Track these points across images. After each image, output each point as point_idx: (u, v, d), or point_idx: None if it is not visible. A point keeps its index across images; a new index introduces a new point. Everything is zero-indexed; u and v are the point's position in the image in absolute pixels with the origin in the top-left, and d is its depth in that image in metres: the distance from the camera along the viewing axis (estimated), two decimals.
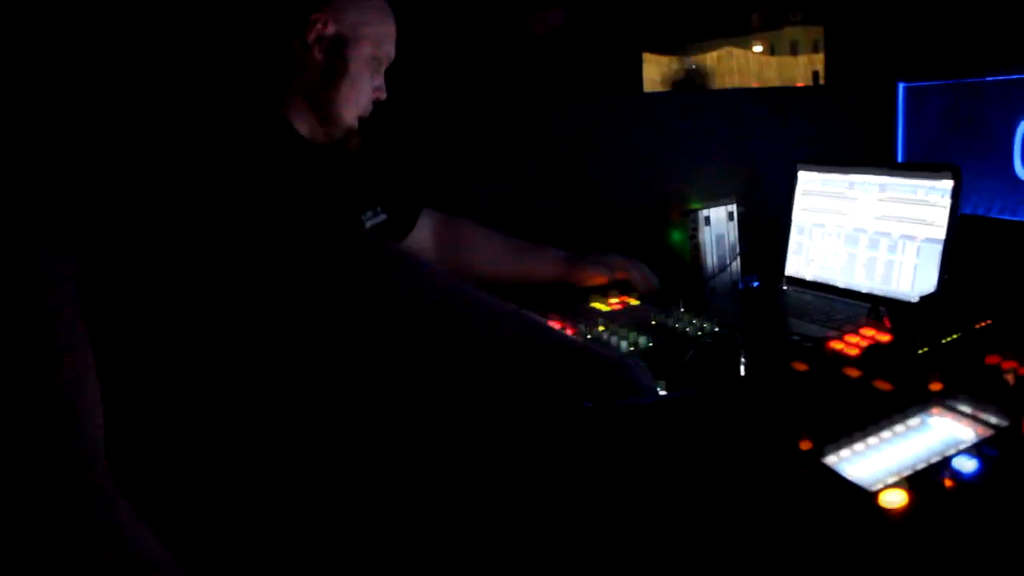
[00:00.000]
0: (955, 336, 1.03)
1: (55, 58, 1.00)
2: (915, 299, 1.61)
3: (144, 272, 1.09)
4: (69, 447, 0.86)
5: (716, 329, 1.52)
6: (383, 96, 1.47)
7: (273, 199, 1.15)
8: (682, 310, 1.67)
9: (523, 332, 1.15)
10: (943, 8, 2.14)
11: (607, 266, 1.79)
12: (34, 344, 0.84)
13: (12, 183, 0.86)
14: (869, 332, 1.11)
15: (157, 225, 1.10)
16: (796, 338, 1.58)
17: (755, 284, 1.98)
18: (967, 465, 0.80)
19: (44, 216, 0.89)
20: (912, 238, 1.72)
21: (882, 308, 1.42)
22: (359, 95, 1.42)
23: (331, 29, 1.36)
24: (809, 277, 1.94)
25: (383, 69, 1.46)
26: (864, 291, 1.80)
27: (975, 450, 0.82)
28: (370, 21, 1.41)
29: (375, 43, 1.41)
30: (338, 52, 1.38)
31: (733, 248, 1.99)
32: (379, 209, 1.58)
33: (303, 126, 1.40)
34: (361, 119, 1.46)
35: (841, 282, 1.86)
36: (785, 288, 1.97)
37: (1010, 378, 0.91)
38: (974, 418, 0.87)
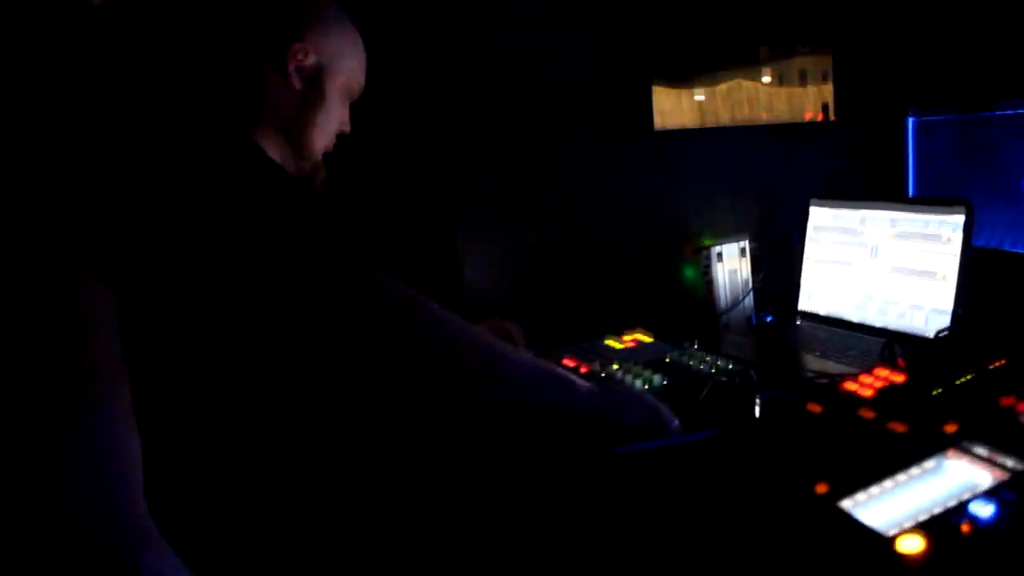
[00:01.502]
0: (969, 376, 1.03)
1: (42, 90, 1.01)
2: (929, 334, 1.61)
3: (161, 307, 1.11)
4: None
5: (730, 367, 1.52)
6: (347, 130, 1.44)
7: (295, 238, 1.16)
8: (696, 347, 1.67)
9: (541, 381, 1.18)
10: (952, 40, 2.16)
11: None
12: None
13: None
14: (883, 372, 1.11)
15: (164, 255, 1.12)
16: (811, 375, 1.57)
17: (768, 319, 1.99)
18: (984, 510, 0.80)
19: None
20: (924, 273, 1.72)
21: (897, 347, 1.42)
22: (330, 127, 1.39)
23: (311, 59, 1.34)
24: (823, 312, 1.95)
25: (350, 102, 1.44)
26: (878, 326, 1.80)
27: (992, 494, 0.82)
28: (348, 52, 1.39)
29: (350, 74, 1.39)
30: (316, 82, 1.35)
31: (746, 284, 1.99)
32: None
33: (276, 157, 1.36)
34: (325, 153, 1.43)
35: (855, 317, 1.86)
36: (799, 323, 1.97)
37: None
38: (990, 461, 0.87)
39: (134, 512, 0.90)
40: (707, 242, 1.97)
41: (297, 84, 1.33)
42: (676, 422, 1.20)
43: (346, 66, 1.38)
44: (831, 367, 1.61)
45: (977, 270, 1.69)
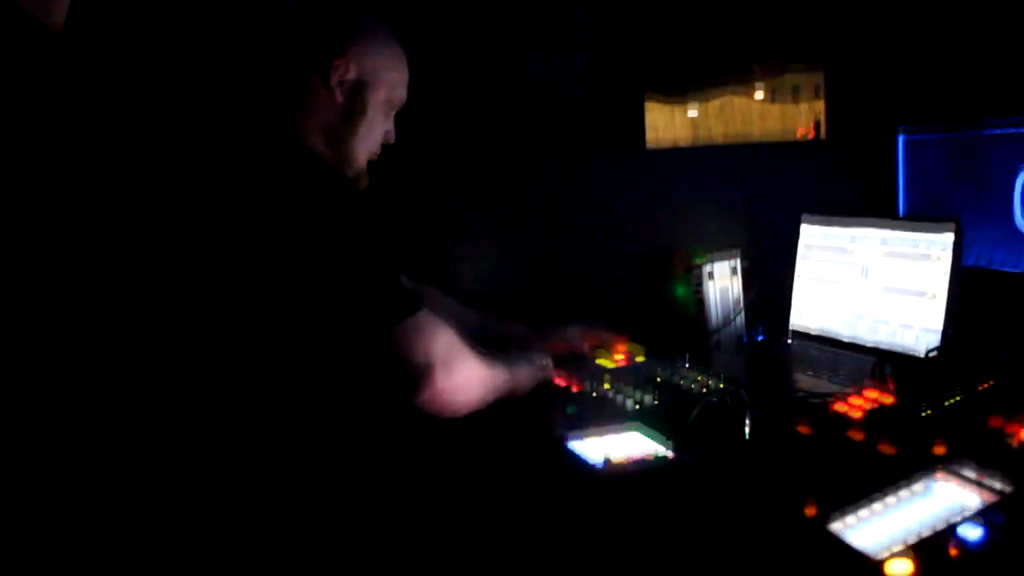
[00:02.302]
0: (958, 398, 1.03)
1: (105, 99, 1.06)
2: (920, 352, 1.62)
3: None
4: None
5: (721, 385, 1.52)
6: (392, 139, 1.53)
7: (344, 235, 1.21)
8: (687, 365, 1.67)
9: None
10: (941, 60, 2.17)
11: (566, 339, 1.81)
12: None
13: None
14: (872, 394, 1.12)
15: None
16: (802, 394, 1.57)
17: (760, 338, 1.99)
18: (972, 533, 0.80)
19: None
20: (914, 292, 1.73)
21: (888, 367, 1.42)
22: (373, 137, 1.48)
23: (352, 74, 1.42)
24: (814, 330, 1.95)
25: (394, 113, 1.52)
26: (869, 344, 1.80)
27: (980, 517, 0.82)
28: (388, 67, 1.47)
29: (391, 88, 1.47)
30: (358, 95, 1.43)
31: (737, 302, 2.00)
32: None
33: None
34: (370, 161, 1.52)
35: (846, 335, 1.87)
36: (790, 341, 1.97)
37: (1013, 442, 0.91)
38: (978, 483, 0.87)
39: None
40: (698, 260, 1.98)
41: (339, 97, 1.42)
42: None
43: (387, 80, 1.46)
44: (822, 386, 1.61)
45: (968, 289, 1.69)
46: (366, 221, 1.28)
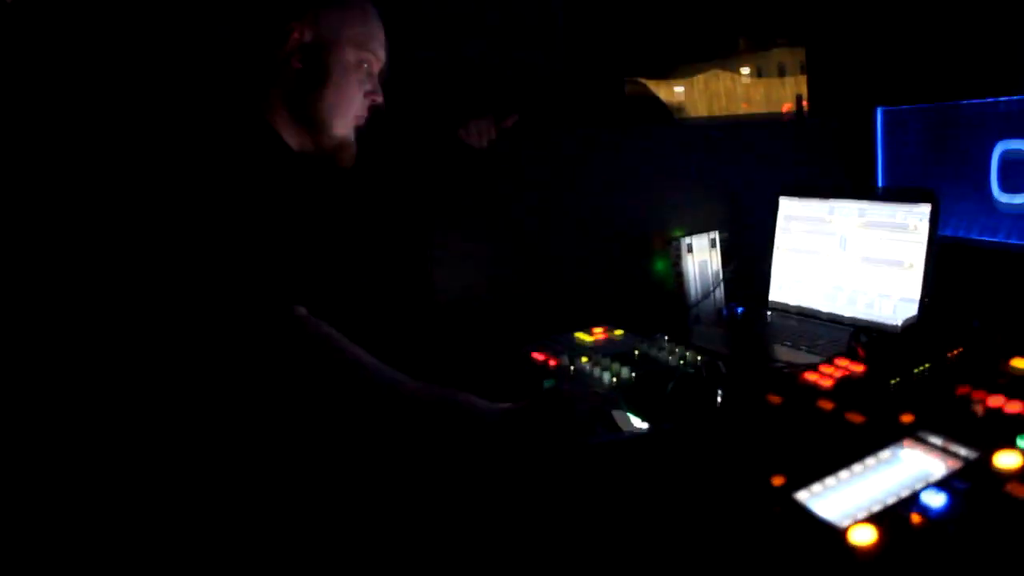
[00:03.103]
0: (926, 367, 1.03)
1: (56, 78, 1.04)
2: (898, 323, 1.62)
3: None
4: None
5: (699, 359, 1.52)
6: (379, 99, 1.45)
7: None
8: (666, 339, 1.67)
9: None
10: (920, 36, 2.16)
11: None
12: None
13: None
14: (843, 363, 1.12)
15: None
16: (780, 365, 1.58)
17: (739, 311, 1.99)
18: (935, 500, 0.80)
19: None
20: (892, 263, 1.73)
21: (862, 336, 1.43)
22: (347, 102, 1.41)
23: (308, 36, 1.36)
24: (792, 303, 1.95)
25: (375, 73, 1.45)
26: (847, 316, 1.81)
27: (944, 484, 0.82)
28: (350, 24, 1.39)
29: (358, 46, 1.40)
30: (317, 58, 1.37)
31: (716, 275, 2.00)
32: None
33: (292, 137, 1.40)
34: (358, 128, 1.45)
35: (825, 307, 1.87)
36: (769, 314, 1.97)
37: (979, 409, 0.92)
38: (944, 451, 0.88)
39: None
40: (677, 233, 1.97)
41: (296, 63, 1.36)
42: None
43: (351, 38, 1.39)
44: (801, 357, 1.61)
45: (945, 259, 1.69)
46: (271, 204, 1.23)
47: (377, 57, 1.44)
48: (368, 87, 1.43)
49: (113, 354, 1.21)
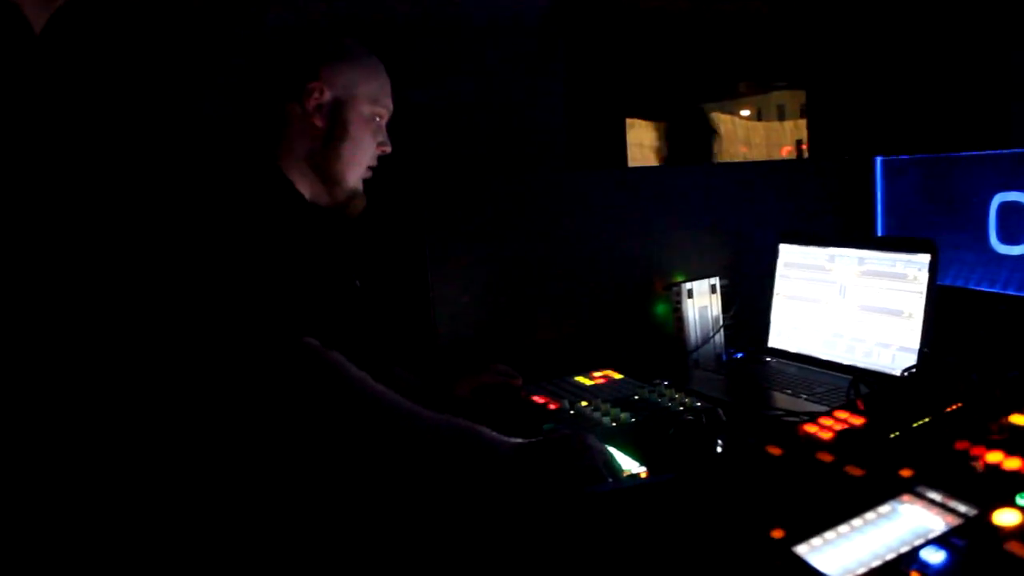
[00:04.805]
0: (926, 420, 1.04)
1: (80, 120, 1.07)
2: (896, 372, 1.63)
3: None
4: None
5: (698, 405, 1.53)
6: (388, 150, 1.50)
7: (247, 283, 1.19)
8: (665, 384, 1.68)
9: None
10: (918, 87, 2.20)
11: (498, 372, 1.76)
12: None
13: None
14: (843, 415, 1.12)
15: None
16: (779, 412, 1.58)
17: (738, 356, 2.00)
18: (934, 557, 0.80)
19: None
20: (891, 312, 1.74)
21: (862, 387, 1.43)
22: (362, 155, 1.46)
23: (328, 95, 1.41)
24: (792, 349, 1.96)
25: (384, 123, 1.49)
26: (846, 364, 1.81)
27: (943, 540, 0.83)
28: (363, 79, 1.45)
29: (371, 99, 1.45)
30: (337, 116, 1.42)
31: (716, 321, 2.01)
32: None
33: (305, 188, 1.44)
34: (366, 180, 1.50)
35: (824, 354, 1.88)
36: (768, 360, 1.98)
37: (978, 465, 0.92)
38: (943, 507, 0.88)
39: None
40: (678, 278, 1.99)
41: (319, 121, 1.41)
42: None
43: (365, 93, 1.44)
44: (800, 405, 1.62)
45: (945, 308, 1.70)
46: (283, 244, 1.25)
47: (388, 109, 1.49)
48: (380, 138, 1.48)
49: (128, 381, 1.22)
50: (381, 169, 1.53)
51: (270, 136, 1.41)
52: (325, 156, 1.43)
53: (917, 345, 1.67)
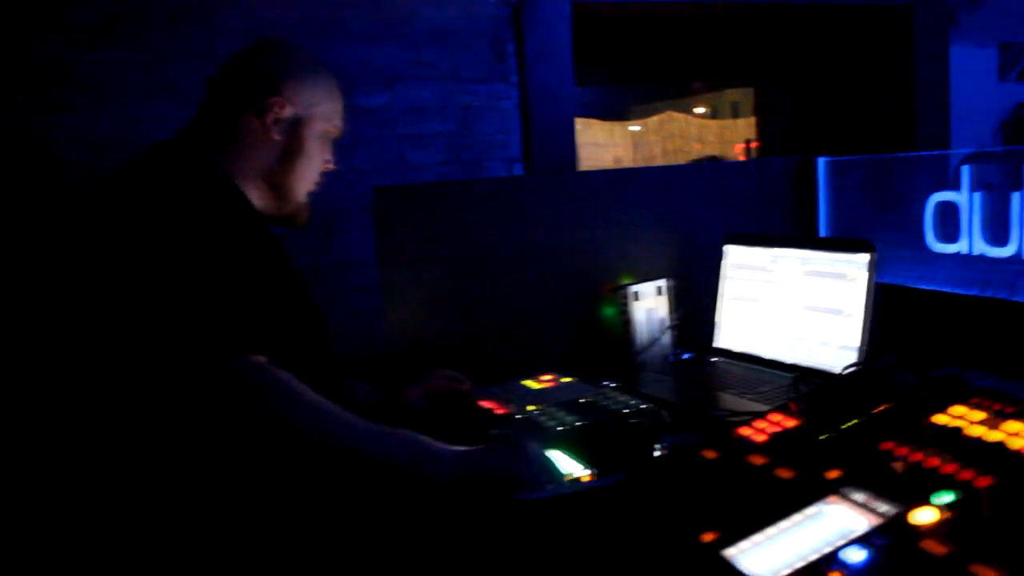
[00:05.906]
0: (855, 422, 1.07)
1: None
2: (837, 370, 1.66)
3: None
4: None
5: (643, 407, 1.55)
6: (332, 167, 1.53)
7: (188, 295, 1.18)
8: (612, 386, 1.69)
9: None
10: (859, 93, 2.24)
11: (446, 378, 1.77)
12: None
13: None
14: (777, 417, 1.15)
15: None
16: (723, 413, 1.60)
17: (685, 357, 2.02)
18: (856, 556, 0.83)
19: None
20: (832, 311, 1.77)
21: (802, 386, 1.46)
22: (313, 171, 1.48)
23: (287, 111, 1.42)
24: (738, 349, 1.99)
25: (331, 142, 1.52)
26: (789, 362, 1.84)
27: (865, 540, 0.85)
28: (322, 99, 1.47)
29: (326, 119, 1.47)
30: (295, 132, 1.43)
31: (663, 322, 2.03)
32: None
33: (256, 199, 1.44)
34: (311, 193, 1.51)
35: (768, 354, 1.91)
36: (715, 360, 2.01)
37: (899, 465, 0.95)
38: (866, 507, 0.90)
39: None
40: (625, 280, 2.01)
41: (277, 135, 1.42)
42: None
43: (322, 113, 1.46)
44: (745, 405, 1.64)
45: (885, 306, 1.74)
46: (231, 254, 1.24)
47: (339, 129, 1.52)
48: (326, 155, 1.51)
49: (71, 406, 1.21)
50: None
51: (224, 146, 1.40)
52: (279, 170, 1.44)
53: (858, 343, 1.71)
